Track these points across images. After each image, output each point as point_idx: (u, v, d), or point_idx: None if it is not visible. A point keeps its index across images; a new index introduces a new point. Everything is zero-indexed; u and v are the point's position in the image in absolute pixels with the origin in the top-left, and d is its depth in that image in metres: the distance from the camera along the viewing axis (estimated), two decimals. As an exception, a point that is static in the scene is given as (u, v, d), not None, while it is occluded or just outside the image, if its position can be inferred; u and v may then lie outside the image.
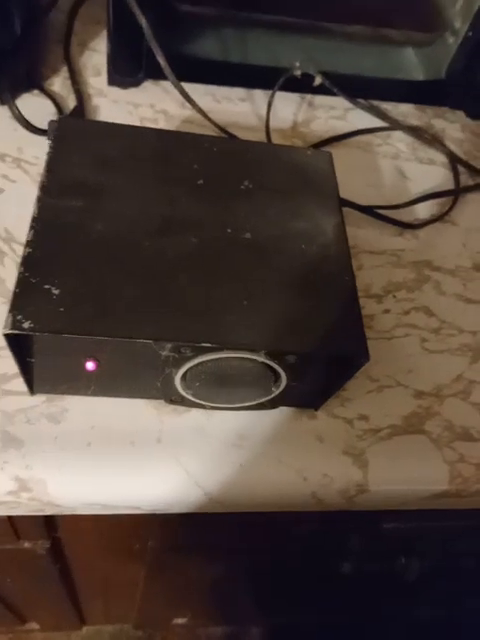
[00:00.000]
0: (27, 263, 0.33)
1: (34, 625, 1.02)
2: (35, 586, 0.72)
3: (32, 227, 0.35)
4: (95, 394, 0.40)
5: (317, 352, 0.35)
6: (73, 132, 0.41)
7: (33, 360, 0.35)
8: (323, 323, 0.36)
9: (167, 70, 0.49)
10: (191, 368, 0.36)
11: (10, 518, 0.49)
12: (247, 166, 0.43)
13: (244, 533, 0.55)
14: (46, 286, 0.32)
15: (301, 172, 0.43)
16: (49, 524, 0.53)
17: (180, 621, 1.08)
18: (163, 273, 0.35)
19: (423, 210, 0.60)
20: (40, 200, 0.36)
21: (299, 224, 0.40)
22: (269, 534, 0.57)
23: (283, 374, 0.37)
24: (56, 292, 0.32)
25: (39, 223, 0.35)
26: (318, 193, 0.42)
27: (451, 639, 1.00)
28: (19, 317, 0.31)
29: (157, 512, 0.41)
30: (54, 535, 0.57)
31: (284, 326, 0.35)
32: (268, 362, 0.35)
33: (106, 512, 0.40)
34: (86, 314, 0.32)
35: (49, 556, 0.59)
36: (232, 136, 0.57)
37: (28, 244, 0.34)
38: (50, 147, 0.39)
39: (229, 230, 0.38)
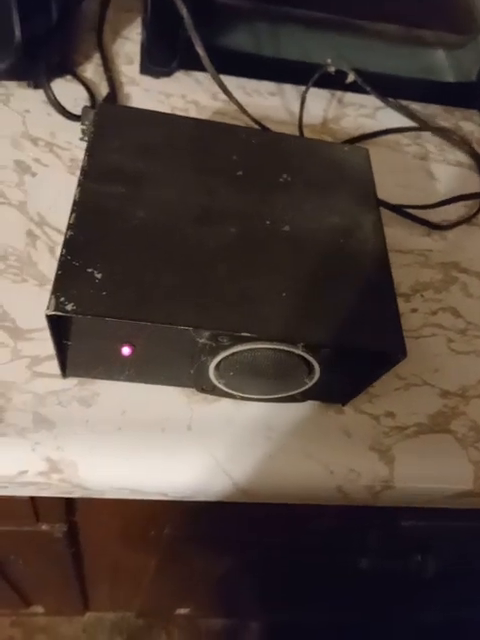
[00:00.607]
0: (69, 246, 0.33)
1: (38, 608, 1.03)
2: (46, 569, 0.72)
3: (74, 210, 0.35)
4: (128, 380, 0.40)
5: (354, 347, 0.35)
6: (113, 118, 0.41)
7: (69, 343, 0.36)
8: (361, 318, 0.36)
9: (206, 61, 0.49)
10: (226, 357, 0.36)
11: (33, 500, 0.50)
12: (285, 159, 0.43)
13: (262, 526, 0.56)
14: (89, 270, 0.33)
15: (338, 167, 0.44)
16: (68, 508, 0.53)
17: (183, 611, 1.09)
18: (203, 262, 0.35)
19: (451, 211, 0.60)
20: (81, 184, 0.36)
21: (337, 219, 0.40)
22: (285, 528, 0.57)
23: (317, 367, 0.37)
24: (98, 276, 0.32)
25: (81, 207, 0.35)
26: (355, 189, 0.43)
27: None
28: (62, 299, 0.31)
29: (183, 499, 0.42)
30: (71, 519, 0.57)
31: (322, 319, 0.35)
32: (304, 354, 0.35)
33: (134, 497, 0.41)
34: (128, 299, 0.32)
35: (65, 540, 0.59)
36: (266, 129, 0.57)
37: (70, 227, 0.34)
38: (91, 132, 0.39)
39: (268, 222, 0.38)
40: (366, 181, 0.43)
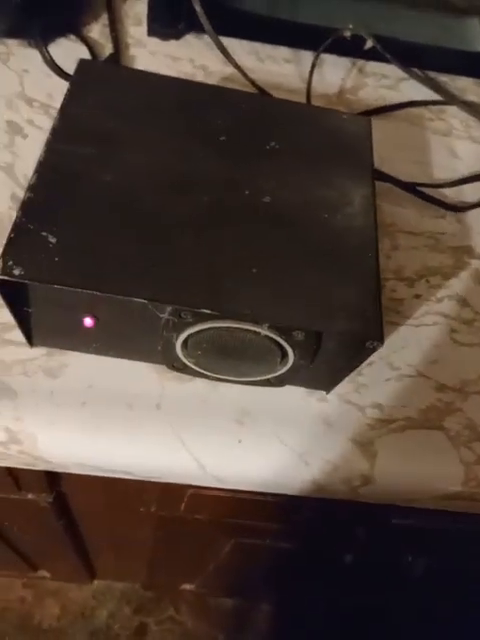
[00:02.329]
0: (26, 208, 0.31)
1: (45, 573, 1.04)
2: (42, 537, 0.73)
3: (36, 171, 0.33)
4: (97, 352, 0.38)
5: (327, 331, 0.33)
6: (94, 76, 0.39)
7: (30, 310, 0.34)
8: (337, 300, 0.33)
9: (202, 17, 0.46)
10: (192, 335, 0.34)
11: (9, 469, 0.49)
12: (276, 126, 0.40)
13: (246, 512, 0.54)
14: (43, 233, 0.31)
15: (335, 137, 0.40)
16: (51, 479, 0.52)
17: (188, 587, 1.09)
18: (170, 232, 0.33)
19: (470, 193, 0.55)
20: (49, 144, 0.34)
21: (325, 192, 0.37)
22: (274, 517, 0.55)
23: (290, 351, 0.34)
24: (53, 241, 0.31)
25: (44, 168, 0.33)
26: (350, 160, 0.39)
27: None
28: (10, 263, 0.29)
29: (151, 480, 0.40)
30: (58, 490, 0.57)
31: (294, 299, 0.32)
32: (273, 336, 0.33)
33: (98, 474, 0.39)
34: (82, 267, 0.31)
35: (53, 509, 0.59)
36: (266, 94, 0.53)
37: (30, 188, 0.32)
38: (68, 89, 0.37)
39: (247, 192, 0.35)
40: (363, 153, 0.40)
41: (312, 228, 0.35)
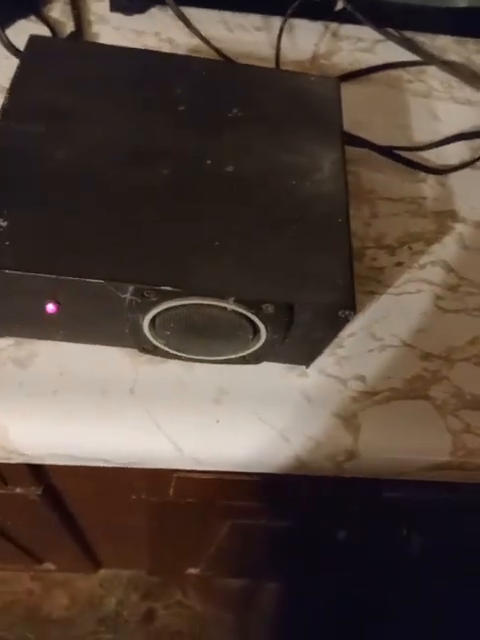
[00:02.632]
0: (-26, 191, 0.30)
1: (50, 565, 1.04)
2: (39, 530, 0.72)
3: (-16, 152, 0.31)
4: (64, 339, 0.37)
5: (298, 303, 0.31)
6: (45, 52, 0.37)
7: (-11, 299, 0.33)
8: (307, 270, 0.32)
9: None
10: (158, 314, 0.32)
11: (-8, 464, 0.48)
12: (240, 92, 0.38)
13: (237, 492, 0.53)
14: (-7, 217, 0.29)
15: (302, 100, 0.39)
16: (36, 472, 0.52)
17: (193, 571, 1.09)
18: (128, 208, 0.31)
19: (453, 154, 0.54)
20: (-3, 124, 0.33)
21: (292, 158, 0.35)
22: (264, 496, 0.54)
23: (262, 326, 0.33)
24: (3, 224, 0.29)
25: (-7, 148, 0.32)
26: (318, 124, 0.38)
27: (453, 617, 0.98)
28: (-43, 249, 0.28)
29: (130, 466, 0.39)
30: (47, 482, 0.56)
31: (261, 271, 0.31)
32: (242, 311, 0.31)
33: (74, 463, 0.38)
34: (36, 250, 0.29)
35: (44, 502, 0.58)
36: (230, 61, 0.51)
37: (-23, 170, 0.31)
38: (18, 67, 0.36)
39: (209, 162, 0.34)
40: (332, 115, 0.38)
41: (279, 196, 0.34)
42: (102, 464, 0.38)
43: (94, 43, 0.39)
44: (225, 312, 0.32)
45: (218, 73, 0.39)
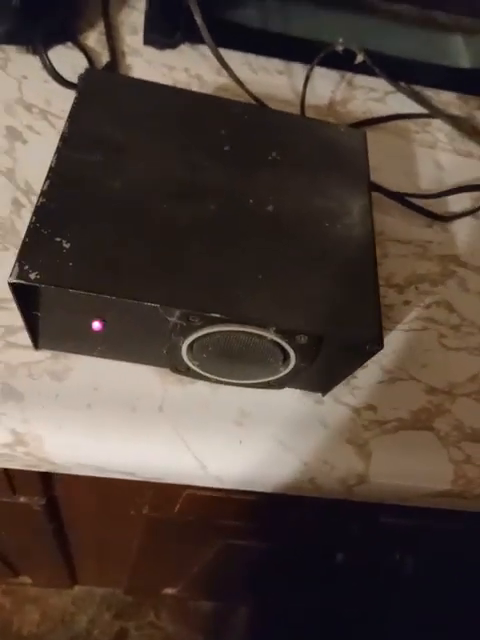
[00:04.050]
0: (40, 214, 0.32)
1: (26, 579, 1.03)
2: (30, 541, 0.72)
3: (48, 177, 0.34)
4: (101, 355, 0.39)
5: (330, 335, 0.34)
6: (100, 85, 0.40)
7: (39, 314, 0.35)
8: (339, 306, 0.34)
9: (203, 30, 0.47)
10: (198, 338, 0.35)
11: (7, 471, 0.49)
12: (276, 137, 0.41)
13: (241, 512, 0.55)
14: (57, 239, 0.32)
15: (332, 149, 0.42)
16: (46, 482, 0.53)
17: (170, 591, 1.09)
18: (178, 238, 0.34)
19: (455, 203, 0.58)
20: (59, 151, 0.35)
21: (324, 202, 0.39)
22: (264, 518, 0.56)
23: (293, 354, 0.35)
24: (67, 246, 0.31)
25: (56, 174, 0.34)
26: (348, 172, 0.41)
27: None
28: (26, 267, 0.30)
29: (153, 480, 0.41)
30: (51, 494, 0.57)
31: (298, 305, 0.34)
32: (278, 340, 0.34)
33: (101, 475, 0.40)
34: (96, 271, 0.31)
35: (44, 513, 0.59)
36: (263, 105, 0.55)
37: (43, 194, 0.33)
38: (76, 98, 0.38)
39: (251, 201, 0.37)
40: (360, 165, 0.42)
41: (313, 236, 0.37)
42: (127, 477, 0.40)
43: (142, 80, 0.41)
44: (262, 340, 0.34)
45: (256, 117, 0.42)
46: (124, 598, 1.23)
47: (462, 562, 0.57)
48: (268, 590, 0.98)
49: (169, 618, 1.23)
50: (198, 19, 0.47)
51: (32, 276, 0.30)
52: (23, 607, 1.18)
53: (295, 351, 0.35)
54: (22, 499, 0.55)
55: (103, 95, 0.39)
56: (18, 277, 0.30)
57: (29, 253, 0.31)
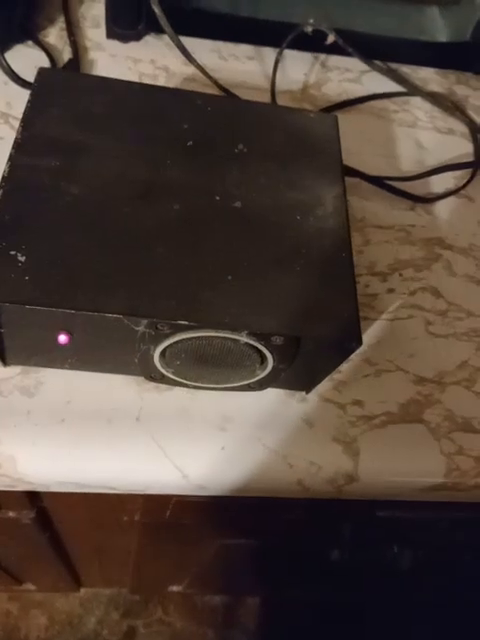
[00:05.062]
0: (-8, 226, 0.30)
1: (31, 586, 1.03)
2: (26, 552, 0.71)
3: (1, 187, 0.32)
4: (72, 368, 0.38)
5: (305, 335, 0.32)
6: (55, 85, 0.38)
7: (2, 330, 0.33)
8: (314, 303, 0.33)
9: (162, 20, 0.45)
10: (170, 346, 0.33)
11: (-11, 489, 0.48)
12: (243, 128, 0.39)
13: (235, 514, 0.54)
14: (12, 252, 0.30)
15: (302, 137, 0.40)
16: (32, 495, 0.51)
17: (176, 588, 1.09)
18: (141, 242, 0.32)
19: (438, 183, 0.56)
20: (12, 158, 0.33)
21: (296, 194, 0.37)
22: (261, 516, 0.55)
23: (269, 356, 0.34)
24: (22, 259, 0.30)
25: (9, 183, 0.32)
26: (319, 160, 0.39)
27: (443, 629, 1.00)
28: (-22, 285, 0.28)
29: (135, 493, 0.40)
30: (39, 505, 0.56)
31: (270, 305, 0.32)
32: (252, 343, 0.32)
33: (80, 491, 0.39)
34: (54, 284, 0.30)
35: (35, 525, 0.58)
36: (232, 95, 0.53)
37: (-5, 206, 0.31)
38: (29, 100, 0.36)
39: (217, 197, 0.35)
40: (332, 151, 0.40)
41: (285, 231, 0.35)
42: (107, 491, 0.39)
43: (101, 77, 0.39)
44: (236, 344, 0.33)
45: (222, 108, 0.40)
46: (131, 597, 1.22)
47: (461, 553, 0.56)
48: (273, 583, 0.98)
49: (177, 614, 1.23)
50: (156, 8, 0.45)
51: (-15, 293, 0.28)
52: (29, 612, 1.17)
53: (272, 353, 0.34)
54: (10, 514, 0.54)
55: (59, 95, 0.37)
56: (-30, 295, 0.28)
57: (-19, 269, 0.29)
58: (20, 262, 0.30)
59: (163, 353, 0.34)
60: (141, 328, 0.32)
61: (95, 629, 1.19)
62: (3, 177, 0.33)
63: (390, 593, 0.80)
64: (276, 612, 1.23)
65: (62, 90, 0.38)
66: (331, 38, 0.56)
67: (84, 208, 0.33)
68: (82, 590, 1.19)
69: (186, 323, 0.31)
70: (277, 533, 0.60)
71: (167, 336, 0.32)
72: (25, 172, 0.33)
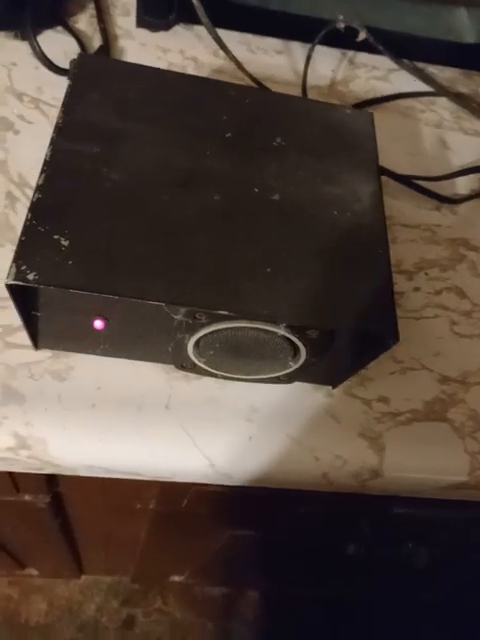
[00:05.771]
0: (36, 210, 0.30)
1: (33, 571, 1.03)
2: (35, 537, 0.72)
3: (43, 171, 0.32)
4: (103, 354, 0.38)
5: (342, 329, 0.33)
6: (95, 71, 0.38)
7: (39, 314, 0.33)
8: (352, 298, 0.33)
9: (200, 11, 0.45)
10: (205, 335, 0.33)
11: (10, 472, 0.48)
12: (281, 121, 0.39)
13: (250, 506, 0.54)
14: (55, 236, 0.30)
15: (339, 132, 0.40)
16: (50, 479, 0.52)
17: (177, 579, 1.09)
18: (181, 231, 0.32)
19: (464, 184, 0.56)
20: (54, 143, 0.33)
21: (333, 188, 0.37)
22: (276, 510, 0.55)
23: (303, 349, 0.34)
24: (65, 243, 0.30)
25: (51, 168, 0.32)
26: (356, 156, 0.39)
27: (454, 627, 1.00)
28: (23, 268, 0.29)
29: (161, 480, 0.40)
30: (55, 490, 0.56)
31: (308, 298, 0.32)
32: (288, 335, 0.33)
33: (107, 476, 0.39)
34: (96, 269, 0.30)
35: (49, 510, 0.58)
36: (264, 88, 0.53)
37: (38, 189, 0.31)
38: (69, 86, 0.36)
39: (256, 189, 0.35)
40: (368, 148, 0.40)
41: (322, 226, 0.35)
42: (134, 477, 0.39)
43: (138, 64, 0.39)
44: (271, 335, 0.33)
45: (258, 101, 0.40)
46: (131, 586, 1.23)
47: (476, 553, 0.57)
48: (277, 576, 0.98)
49: (176, 604, 1.24)
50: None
51: (30, 277, 0.29)
52: (30, 597, 1.18)
53: (306, 346, 0.34)
54: (26, 497, 0.54)
55: (97, 81, 0.37)
56: (16, 278, 0.28)
57: (26, 252, 0.29)
58: (63, 246, 0.30)
59: (197, 343, 0.34)
60: (179, 317, 0.32)
61: (94, 616, 1.19)
62: (45, 161, 0.33)
63: (398, 592, 0.80)
64: (276, 605, 1.24)
65: (101, 76, 0.38)
66: (362, 35, 0.56)
67: (125, 195, 0.33)
68: (83, 577, 1.20)
69: (225, 313, 0.31)
70: (291, 526, 0.60)
71: (203, 325, 0.32)
72: (67, 157, 0.33)
